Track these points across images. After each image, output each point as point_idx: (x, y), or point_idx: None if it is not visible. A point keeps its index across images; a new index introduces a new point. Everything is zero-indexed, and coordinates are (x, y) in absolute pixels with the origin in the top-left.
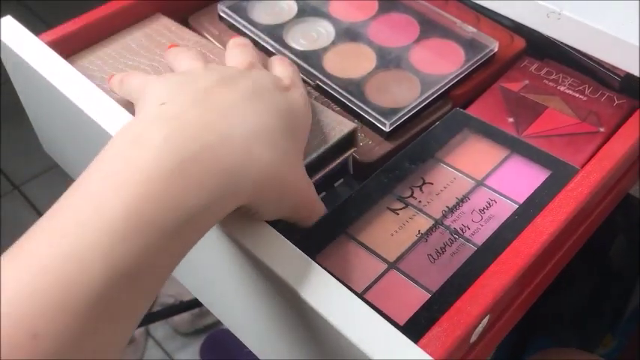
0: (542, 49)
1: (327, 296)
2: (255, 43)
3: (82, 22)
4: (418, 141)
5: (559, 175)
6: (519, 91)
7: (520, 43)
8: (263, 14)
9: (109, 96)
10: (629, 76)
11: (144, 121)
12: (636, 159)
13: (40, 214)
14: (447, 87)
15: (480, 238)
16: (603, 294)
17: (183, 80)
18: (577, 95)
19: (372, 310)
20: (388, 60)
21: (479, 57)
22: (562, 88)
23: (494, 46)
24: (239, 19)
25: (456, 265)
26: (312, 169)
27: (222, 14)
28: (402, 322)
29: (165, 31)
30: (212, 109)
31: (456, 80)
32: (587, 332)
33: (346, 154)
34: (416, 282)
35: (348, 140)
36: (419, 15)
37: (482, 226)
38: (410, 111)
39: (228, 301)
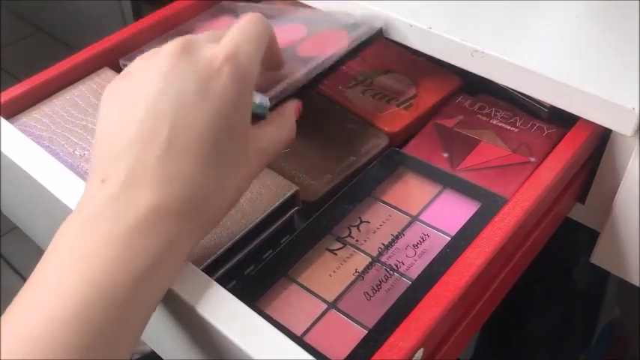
0: (477, 84)
1: (260, 342)
2: None
3: (29, 84)
4: (356, 181)
5: (488, 207)
6: (454, 127)
7: (454, 81)
8: None
9: (56, 159)
10: (554, 107)
11: (91, 208)
12: (569, 184)
13: (15, 270)
14: (330, 63)
15: (414, 273)
16: (571, 315)
17: (115, 130)
18: (509, 127)
19: (306, 352)
20: None
21: (362, 33)
22: (494, 122)
23: (379, 23)
24: None
25: (392, 301)
26: (257, 230)
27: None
28: None
29: None
30: (142, 174)
31: (340, 57)
32: (561, 355)
33: (289, 214)
34: (353, 320)
35: (291, 201)
36: (305, 19)
37: (415, 260)
38: (290, 86)
39: (174, 349)
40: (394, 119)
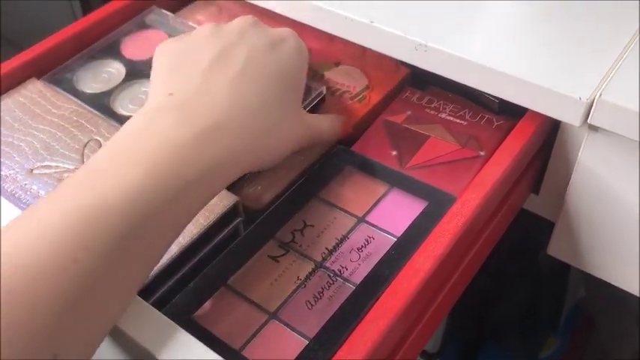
0: (426, 77)
1: None
2: (81, 114)
3: None
4: (301, 183)
5: (435, 205)
6: (402, 123)
7: (404, 71)
8: (90, 83)
9: None
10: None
11: (155, 111)
12: (522, 175)
13: None
14: None
15: (358, 278)
16: (539, 297)
17: (185, 63)
18: (458, 121)
19: None
20: None
21: (309, 100)
22: (443, 115)
23: (322, 89)
24: (63, 92)
25: (334, 308)
26: (200, 242)
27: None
28: None
29: (40, 99)
30: (212, 92)
31: None
32: (531, 336)
33: (233, 224)
34: (294, 330)
35: (233, 212)
36: None
37: (360, 265)
38: None
39: None
40: (349, 114)
